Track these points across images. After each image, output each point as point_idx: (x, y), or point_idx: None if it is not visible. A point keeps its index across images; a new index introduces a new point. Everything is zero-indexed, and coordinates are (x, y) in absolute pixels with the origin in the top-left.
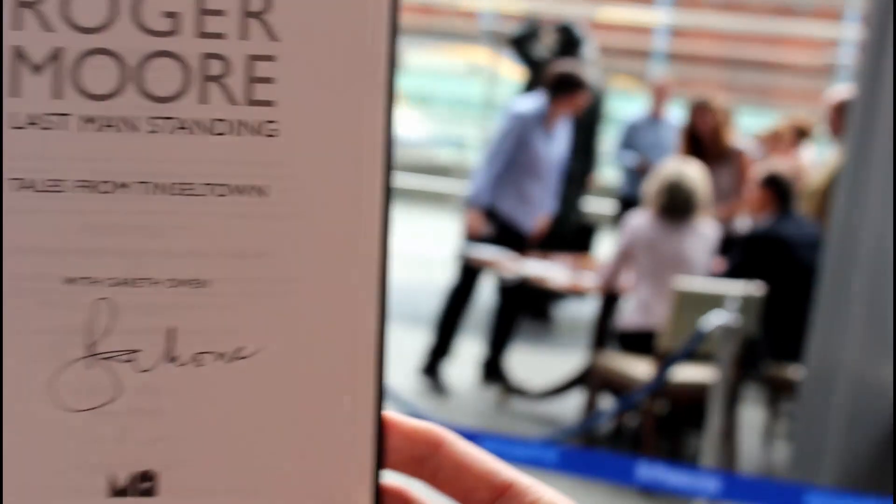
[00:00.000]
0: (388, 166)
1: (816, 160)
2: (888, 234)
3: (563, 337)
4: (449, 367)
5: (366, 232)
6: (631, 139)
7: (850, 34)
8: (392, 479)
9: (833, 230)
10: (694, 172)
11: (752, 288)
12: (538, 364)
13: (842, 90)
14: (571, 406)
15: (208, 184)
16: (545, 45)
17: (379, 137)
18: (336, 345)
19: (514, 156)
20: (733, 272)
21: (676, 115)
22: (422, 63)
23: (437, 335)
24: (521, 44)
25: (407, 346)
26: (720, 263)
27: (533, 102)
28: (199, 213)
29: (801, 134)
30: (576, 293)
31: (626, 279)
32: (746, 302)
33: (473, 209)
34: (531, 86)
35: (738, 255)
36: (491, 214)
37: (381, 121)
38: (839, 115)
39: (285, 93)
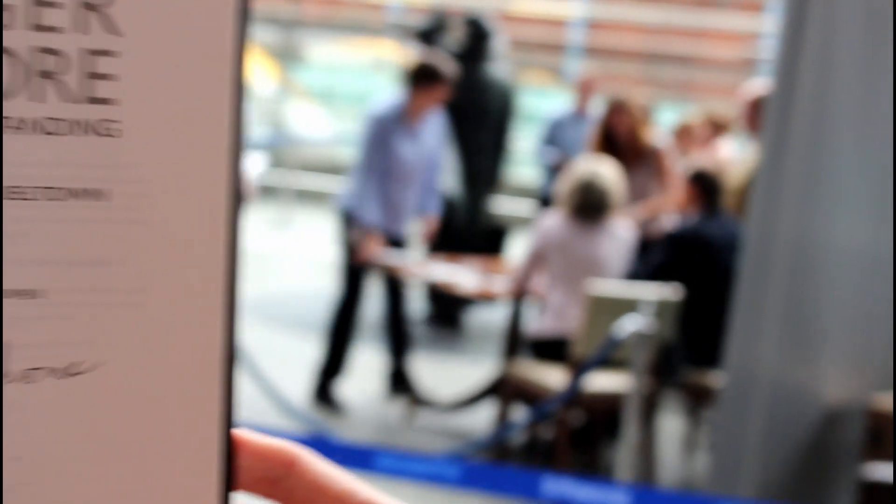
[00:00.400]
0: (236, 167)
1: (736, 155)
2: (807, 233)
3: (473, 345)
4: (349, 380)
5: (213, 238)
6: (554, 136)
7: (771, 27)
8: (244, 500)
9: (751, 230)
10: (607, 171)
11: (667, 291)
12: (447, 374)
13: (758, 85)
14: (483, 418)
15: (42, 187)
16: (453, 38)
17: (226, 138)
18: (182, 359)
19: (375, 161)
20: (654, 273)
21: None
22: (325, 57)
23: (328, 351)
24: (428, 37)
25: (308, 355)
26: (640, 264)
27: (390, 101)
28: (32, 218)
29: (717, 128)
30: (486, 298)
31: (539, 283)
32: (662, 306)
33: (367, 233)
34: None
35: (660, 254)
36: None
37: (228, 120)
38: (755, 111)
39: (128, 90)
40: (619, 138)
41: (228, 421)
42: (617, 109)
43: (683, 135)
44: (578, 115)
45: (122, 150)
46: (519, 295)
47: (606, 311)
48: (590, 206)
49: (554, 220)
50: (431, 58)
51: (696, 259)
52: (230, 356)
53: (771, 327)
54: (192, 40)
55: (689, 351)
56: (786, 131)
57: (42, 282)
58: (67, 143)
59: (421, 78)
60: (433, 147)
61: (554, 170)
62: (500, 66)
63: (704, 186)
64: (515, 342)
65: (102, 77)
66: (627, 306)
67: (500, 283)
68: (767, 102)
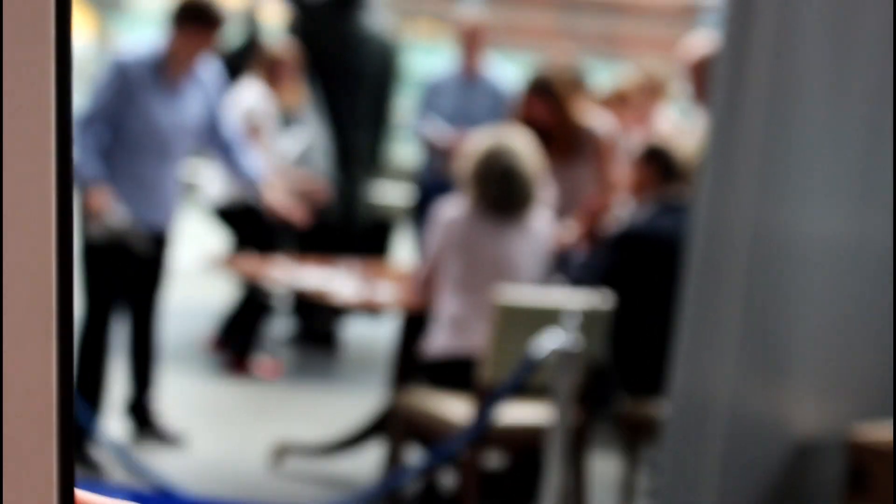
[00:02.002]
0: (67, 154)
1: (679, 125)
2: (768, 224)
3: (353, 370)
4: (182, 414)
5: (42, 248)
6: (434, 104)
7: None
8: None
9: (698, 222)
10: (523, 148)
11: (597, 299)
12: (321, 407)
13: (702, 40)
14: (368, 462)
15: None
16: None
17: (52, 120)
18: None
19: (116, 121)
20: (599, 280)
21: (496, 72)
22: (154, 5)
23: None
24: None
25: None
26: (583, 270)
27: (145, 47)
28: None
29: (655, 93)
30: (369, 311)
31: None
32: (590, 318)
33: (89, 188)
34: (301, 34)
35: (606, 258)
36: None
37: (53, 101)
38: (701, 74)
39: None
40: (542, 128)
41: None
42: (537, 91)
43: (617, 104)
44: (464, 76)
45: None
46: (423, 306)
47: (520, 324)
48: (503, 196)
49: (456, 212)
50: None
51: (648, 263)
52: (68, 397)
53: (726, 343)
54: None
55: (626, 374)
56: (739, 98)
57: None
58: None
59: (184, 17)
60: (195, 115)
61: (435, 150)
62: (377, 16)
63: (662, 166)
64: (407, 366)
65: None
66: (547, 319)
67: (385, 291)
68: (716, 62)
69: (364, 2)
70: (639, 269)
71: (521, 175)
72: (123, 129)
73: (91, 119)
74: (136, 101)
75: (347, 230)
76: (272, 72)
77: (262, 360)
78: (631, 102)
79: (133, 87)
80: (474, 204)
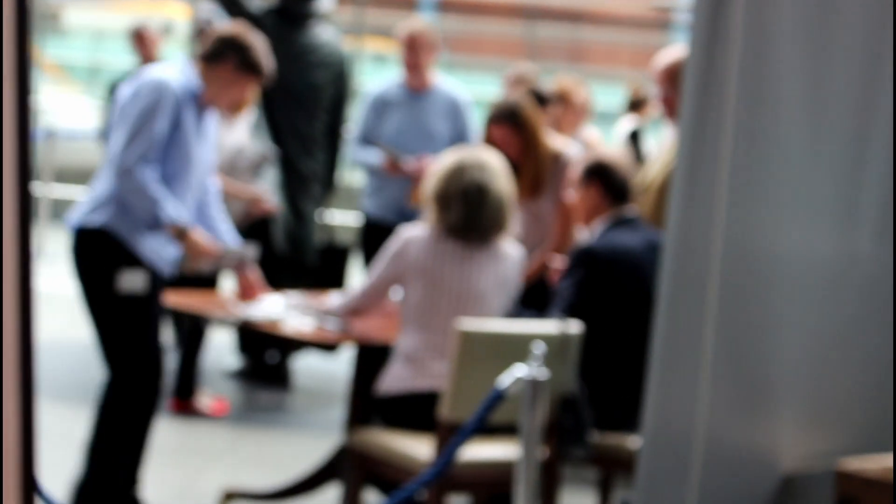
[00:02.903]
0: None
1: (601, 141)
2: (745, 243)
3: (307, 407)
4: None
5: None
6: (378, 122)
7: None
8: None
9: (669, 241)
10: (496, 167)
11: (566, 326)
12: (270, 449)
13: (673, 52)
14: None
15: None
16: None
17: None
18: None
19: (161, 154)
20: (562, 308)
21: (449, 83)
22: (88, 24)
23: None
24: None
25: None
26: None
27: (180, 74)
28: None
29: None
30: (323, 346)
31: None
32: (558, 347)
33: (187, 233)
34: None
35: (569, 284)
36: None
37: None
38: (672, 85)
39: None
40: (509, 160)
41: None
42: (501, 121)
43: (560, 107)
44: (412, 90)
45: None
46: (351, 320)
47: (483, 355)
48: (471, 217)
49: (418, 235)
50: (243, 29)
51: (610, 282)
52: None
53: (700, 371)
54: None
55: (598, 407)
56: (709, 109)
57: None
58: None
59: (240, 61)
60: (210, 149)
61: (379, 175)
62: (327, 28)
63: (606, 182)
64: (364, 403)
65: None
66: (511, 348)
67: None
68: (685, 72)
69: (314, 14)
70: (601, 290)
71: (491, 195)
72: (165, 162)
73: (145, 151)
74: (182, 132)
75: (298, 258)
76: None
77: (207, 398)
78: (572, 101)
79: (181, 116)
80: (438, 225)
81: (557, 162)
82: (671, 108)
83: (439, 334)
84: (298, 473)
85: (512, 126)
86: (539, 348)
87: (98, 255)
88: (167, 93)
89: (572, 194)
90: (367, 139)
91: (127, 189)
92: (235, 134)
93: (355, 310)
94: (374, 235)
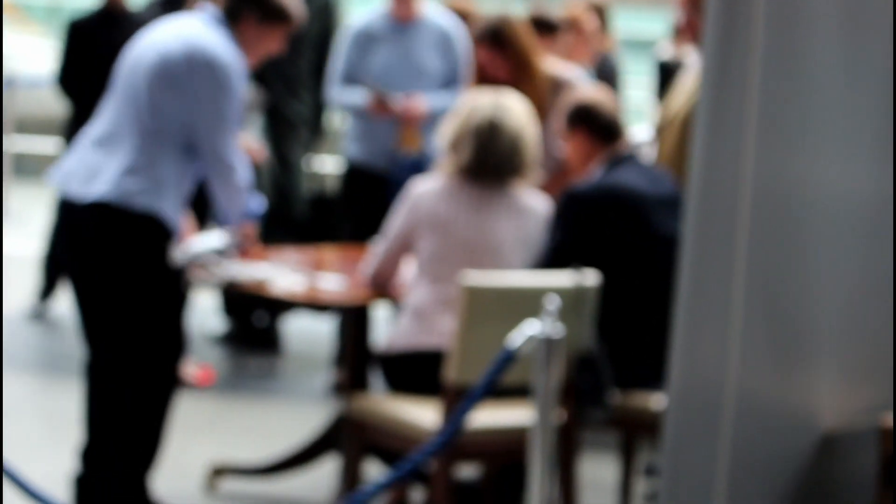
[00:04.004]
0: None
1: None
2: (779, 181)
3: (297, 373)
4: None
5: None
6: (362, 59)
7: None
8: None
9: (694, 180)
10: (519, 110)
11: (583, 277)
12: (263, 418)
13: None
14: (319, 479)
15: None
16: None
17: None
18: None
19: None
20: (553, 257)
21: (437, 13)
22: None
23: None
24: None
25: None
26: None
27: (228, 44)
28: None
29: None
30: (314, 307)
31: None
32: (575, 300)
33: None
34: None
35: (559, 227)
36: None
37: None
38: (696, 5)
39: None
40: (501, 83)
41: None
42: (489, 43)
43: (574, 31)
44: (397, 20)
45: None
46: (378, 294)
47: (490, 312)
48: (487, 161)
49: (430, 186)
50: None
51: (613, 227)
52: None
53: (732, 323)
54: None
55: (618, 364)
56: (735, 33)
57: None
58: None
59: (264, 10)
60: None
61: (364, 116)
62: None
63: (595, 124)
64: (362, 366)
65: None
66: (521, 303)
67: (333, 282)
68: None
69: None
70: (602, 238)
71: (505, 131)
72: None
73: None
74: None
75: (285, 211)
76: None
77: (191, 366)
78: (583, 30)
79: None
80: (453, 171)
81: (557, 88)
82: (695, 32)
83: (450, 287)
84: (292, 445)
85: (496, 46)
86: (553, 303)
87: (146, 241)
88: (240, 76)
89: (562, 146)
90: (351, 77)
91: (225, 184)
92: None
93: (379, 274)
94: (359, 183)
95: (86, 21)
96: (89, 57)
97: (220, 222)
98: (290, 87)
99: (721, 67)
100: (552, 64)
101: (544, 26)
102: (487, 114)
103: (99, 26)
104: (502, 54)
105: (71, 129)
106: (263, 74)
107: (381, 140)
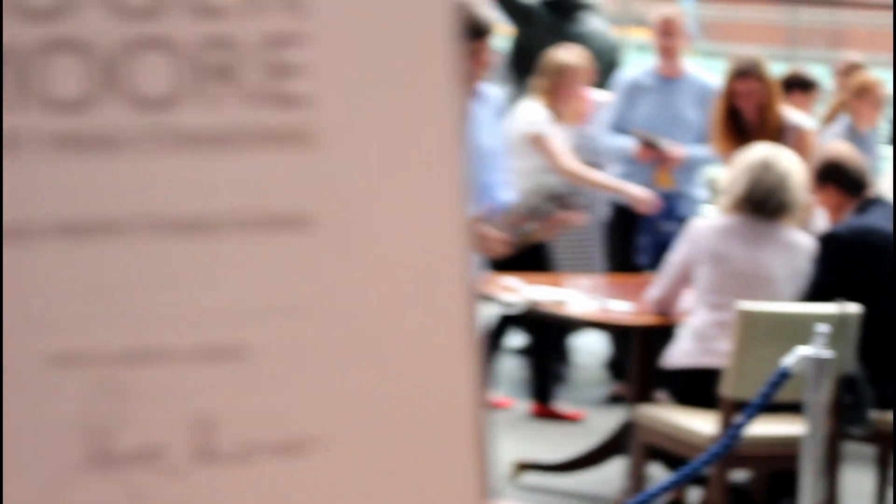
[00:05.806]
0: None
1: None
2: None
3: (582, 383)
4: None
5: (451, 266)
6: (629, 108)
7: None
8: None
9: None
10: (784, 154)
11: (846, 307)
12: (553, 423)
13: None
14: (606, 479)
15: (231, 217)
16: None
17: (454, 133)
18: (429, 429)
19: None
20: (814, 294)
21: (700, 70)
22: None
23: None
24: None
25: None
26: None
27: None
28: (224, 257)
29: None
30: (604, 327)
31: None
32: (839, 326)
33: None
34: (524, 40)
35: (819, 269)
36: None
37: (452, 110)
38: None
39: (325, 84)
40: (746, 116)
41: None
42: (742, 76)
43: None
44: (664, 76)
45: (325, 162)
46: (661, 318)
47: (764, 334)
48: (763, 200)
49: (708, 222)
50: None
51: (870, 264)
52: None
53: None
54: (398, 13)
55: (875, 387)
56: None
57: (243, 336)
58: (255, 157)
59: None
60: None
61: (629, 160)
62: (596, 18)
63: (843, 179)
64: (649, 379)
65: (289, 70)
66: (791, 328)
67: (618, 305)
68: None
69: (584, 6)
70: (864, 272)
71: (776, 169)
72: None
73: None
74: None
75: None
76: (555, 84)
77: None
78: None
79: None
80: (729, 207)
81: (784, 132)
82: None
83: (726, 313)
84: (580, 448)
85: (756, 78)
86: (823, 327)
87: None
88: None
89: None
90: (618, 126)
91: None
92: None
93: (662, 300)
94: (622, 221)
95: None
96: None
97: None
98: None
99: None
100: (788, 112)
101: (802, 83)
102: (762, 154)
103: None
104: (760, 85)
105: None
106: None
107: (642, 182)
